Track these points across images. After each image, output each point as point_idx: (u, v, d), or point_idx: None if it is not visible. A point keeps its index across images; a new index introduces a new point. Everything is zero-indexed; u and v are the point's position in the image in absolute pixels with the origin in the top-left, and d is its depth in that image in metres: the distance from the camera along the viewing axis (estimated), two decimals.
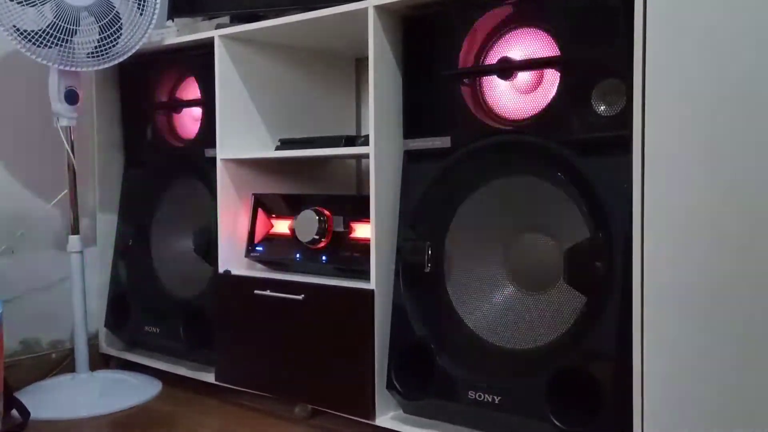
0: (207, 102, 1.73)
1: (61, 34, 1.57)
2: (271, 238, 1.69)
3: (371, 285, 1.42)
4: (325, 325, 1.48)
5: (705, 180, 1.07)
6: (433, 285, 1.38)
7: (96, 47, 1.62)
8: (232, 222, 1.71)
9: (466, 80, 1.36)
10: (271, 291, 1.56)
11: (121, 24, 1.63)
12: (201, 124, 1.78)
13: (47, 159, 1.88)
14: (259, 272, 1.67)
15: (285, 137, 1.73)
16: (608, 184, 1.17)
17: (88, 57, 1.62)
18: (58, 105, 1.68)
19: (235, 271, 1.67)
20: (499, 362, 1.29)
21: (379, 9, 1.40)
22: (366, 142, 1.44)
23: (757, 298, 1.04)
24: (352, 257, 1.52)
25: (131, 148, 1.99)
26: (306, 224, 1.56)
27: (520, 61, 1.30)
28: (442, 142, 1.38)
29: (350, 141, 1.54)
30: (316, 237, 1.55)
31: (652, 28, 1.09)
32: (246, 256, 1.71)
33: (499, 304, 1.32)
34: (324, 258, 1.57)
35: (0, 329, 1.44)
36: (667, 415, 1.10)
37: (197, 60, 1.76)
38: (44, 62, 1.59)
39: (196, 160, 1.77)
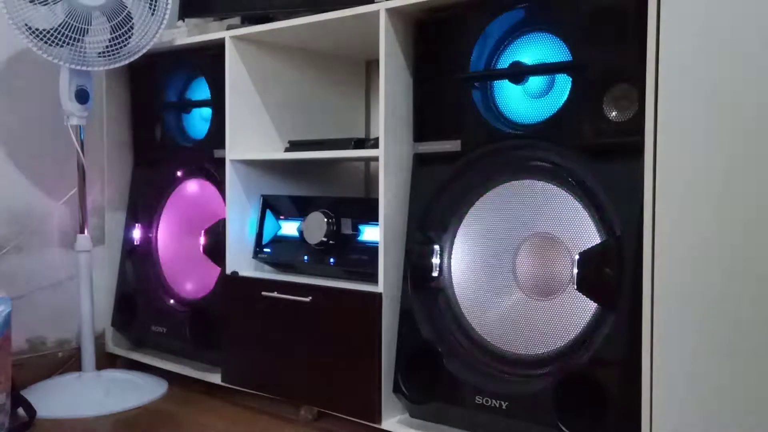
0: (217, 102, 1.74)
1: (72, 33, 1.57)
2: (279, 240, 1.69)
3: (379, 288, 1.41)
4: (332, 328, 1.47)
5: (717, 186, 1.06)
6: (442, 289, 1.38)
7: (107, 46, 1.62)
8: (241, 223, 1.71)
9: (477, 84, 1.35)
10: (278, 293, 1.56)
11: (133, 24, 1.63)
12: (210, 124, 1.78)
13: (57, 157, 1.89)
14: (267, 274, 1.67)
15: (294, 139, 1.73)
16: (619, 190, 1.16)
17: (99, 56, 1.63)
18: (69, 104, 1.69)
19: (242, 273, 1.67)
20: (506, 367, 1.29)
21: (391, 12, 1.40)
22: (376, 145, 1.44)
23: None
24: (360, 260, 1.51)
25: (141, 147, 2.00)
26: (314, 226, 1.56)
27: (531, 66, 1.29)
28: (453, 145, 1.37)
29: (360, 143, 1.54)
30: (325, 239, 1.54)
31: (665, 32, 1.08)
32: (254, 257, 1.71)
33: (508, 308, 1.31)
34: (332, 260, 1.56)
35: (8, 327, 1.45)
36: (675, 423, 1.09)
37: (207, 60, 1.76)
38: (55, 61, 1.60)
39: (205, 161, 1.78)
